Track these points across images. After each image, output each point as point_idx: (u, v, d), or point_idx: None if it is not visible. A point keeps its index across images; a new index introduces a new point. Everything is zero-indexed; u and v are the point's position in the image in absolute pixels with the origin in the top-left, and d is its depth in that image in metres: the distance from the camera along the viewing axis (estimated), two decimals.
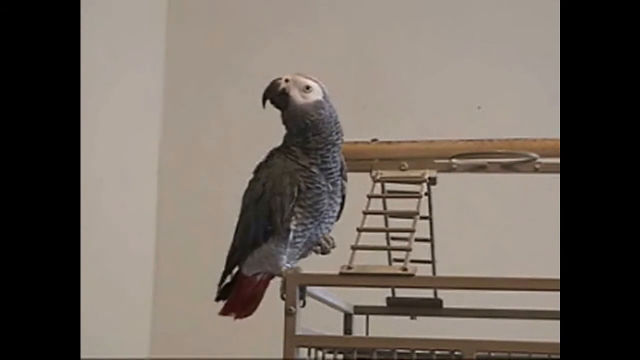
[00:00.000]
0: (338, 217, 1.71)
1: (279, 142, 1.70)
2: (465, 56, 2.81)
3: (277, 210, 1.64)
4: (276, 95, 1.64)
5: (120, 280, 2.66)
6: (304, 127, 1.63)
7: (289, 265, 1.67)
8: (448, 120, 2.73)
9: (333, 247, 1.70)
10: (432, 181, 1.83)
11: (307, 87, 1.64)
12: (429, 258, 1.91)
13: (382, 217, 1.81)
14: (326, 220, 1.67)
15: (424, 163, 1.85)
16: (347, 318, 2.00)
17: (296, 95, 1.64)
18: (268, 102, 1.66)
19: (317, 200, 1.64)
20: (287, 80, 1.65)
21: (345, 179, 1.70)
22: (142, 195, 2.85)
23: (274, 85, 1.65)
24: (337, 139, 1.66)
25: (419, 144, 1.89)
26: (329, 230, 1.70)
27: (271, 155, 1.70)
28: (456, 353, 1.56)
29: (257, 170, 1.72)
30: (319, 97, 1.65)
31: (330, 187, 1.66)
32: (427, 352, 1.57)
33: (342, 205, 1.71)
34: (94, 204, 2.43)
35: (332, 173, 1.66)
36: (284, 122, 1.66)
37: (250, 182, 1.72)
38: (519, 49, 2.78)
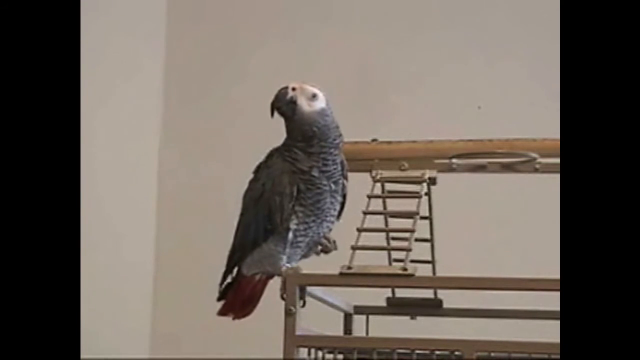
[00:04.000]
0: (339, 216, 1.71)
1: (279, 142, 1.70)
2: (465, 56, 2.81)
3: (277, 209, 1.64)
4: (284, 104, 1.63)
5: (120, 281, 2.66)
6: (311, 134, 1.64)
7: (289, 265, 1.67)
8: (448, 120, 2.73)
9: (335, 248, 1.70)
10: (432, 181, 1.83)
11: (314, 95, 1.65)
12: (429, 258, 1.91)
13: (382, 217, 1.81)
14: (328, 219, 1.68)
15: (424, 163, 1.84)
16: (347, 318, 2.00)
17: (303, 104, 1.64)
18: (275, 111, 1.65)
19: (319, 199, 1.65)
20: (294, 89, 1.64)
21: (346, 178, 1.71)
22: (142, 195, 2.85)
23: (282, 93, 1.64)
24: (339, 142, 1.67)
25: (419, 144, 1.89)
26: (330, 230, 1.70)
27: (270, 155, 1.70)
28: (456, 353, 1.56)
29: (257, 171, 1.72)
30: (323, 104, 1.65)
31: (333, 186, 1.66)
32: (427, 352, 1.57)
33: (342, 204, 1.71)
34: (94, 203, 2.42)
35: (333, 174, 1.66)
36: (289, 130, 1.66)
37: (250, 182, 1.72)
38: (519, 48, 2.78)
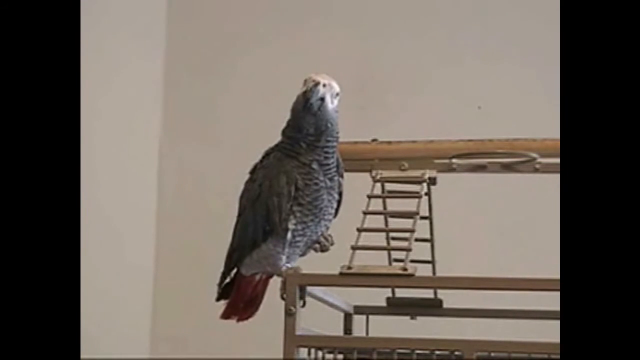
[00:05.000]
0: (336, 214, 1.71)
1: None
2: (465, 56, 2.81)
3: (275, 210, 1.64)
4: (315, 100, 1.62)
5: (120, 281, 2.66)
6: (324, 129, 1.63)
7: (289, 264, 1.67)
8: (448, 120, 2.73)
9: (332, 244, 1.70)
10: (432, 181, 1.83)
11: (337, 94, 1.64)
12: (429, 258, 1.91)
13: (382, 217, 1.81)
14: (326, 217, 1.68)
15: (424, 163, 1.85)
16: (347, 318, 2.00)
17: (328, 101, 1.63)
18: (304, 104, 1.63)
19: (317, 196, 1.65)
20: (324, 86, 1.62)
21: (342, 176, 1.71)
22: (142, 195, 2.85)
23: (315, 90, 1.61)
24: (338, 136, 1.67)
25: (419, 144, 1.89)
26: (328, 228, 1.70)
27: (267, 155, 1.70)
28: (456, 353, 1.56)
29: (253, 171, 1.72)
30: (337, 101, 1.65)
31: (328, 182, 1.66)
32: (427, 352, 1.57)
33: (339, 202, 1.71)
34: (94, 204, 2.42)
35: (330, 169, 1.66)
36: (301, 124, 1.63)
37: (247, 183, 1.72)
38: (519, 48, 2.78)
